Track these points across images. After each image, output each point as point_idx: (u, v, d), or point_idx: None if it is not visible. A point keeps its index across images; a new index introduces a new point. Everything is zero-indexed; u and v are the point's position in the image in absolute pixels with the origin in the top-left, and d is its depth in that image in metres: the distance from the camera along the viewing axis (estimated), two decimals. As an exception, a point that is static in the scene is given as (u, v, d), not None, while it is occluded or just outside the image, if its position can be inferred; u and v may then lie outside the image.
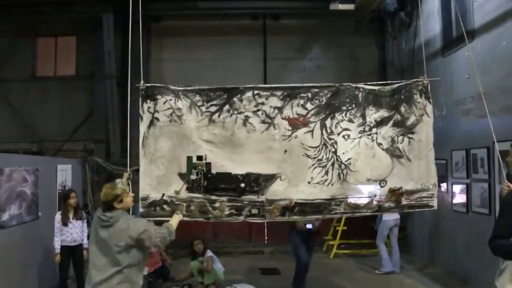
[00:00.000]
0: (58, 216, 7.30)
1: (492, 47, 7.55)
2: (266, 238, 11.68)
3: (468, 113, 8.31)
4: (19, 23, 12.37)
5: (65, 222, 7.25)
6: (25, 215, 7.31)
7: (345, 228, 11.12)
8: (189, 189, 5.25)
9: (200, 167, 5.24)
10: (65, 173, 8.92)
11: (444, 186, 9.04)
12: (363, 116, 5.37)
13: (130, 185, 5.01)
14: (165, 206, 5.21)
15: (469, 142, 7.92)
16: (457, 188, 8.64)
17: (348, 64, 12.81)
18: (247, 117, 5.28)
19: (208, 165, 5.24)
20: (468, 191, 8.16)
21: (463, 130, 8.33)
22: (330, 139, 5.33)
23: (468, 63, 8.17)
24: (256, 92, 5.32)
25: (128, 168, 5.17)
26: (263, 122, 5.30)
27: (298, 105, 5.33)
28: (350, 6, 11.09)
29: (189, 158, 5.24)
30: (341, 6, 11.07)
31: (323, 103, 5.35)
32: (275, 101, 5.31)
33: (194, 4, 12.09)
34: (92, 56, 12.41)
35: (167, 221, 4.68)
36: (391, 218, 9.24)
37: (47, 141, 12.26)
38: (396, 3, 11.01)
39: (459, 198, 8.48)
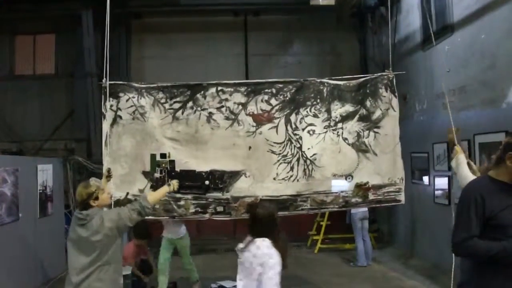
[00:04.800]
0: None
1: (471, 40, 7.55)
2: (250, 234, 11.65)
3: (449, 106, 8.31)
4: (-4, 21, 12.20)
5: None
6: (5, 216, 7.22)
7: (329, 223, 11.16)
8: (153, 188, 5.24)
9: (164, 165, 5.22)
10: (45, 173, 8.84)
11: (426, 178, 9.06)
12: (328, 111, 5.36)
13: (111, 183, 4.99)
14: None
15: (451, 135, 7.91)
16: (439, 180, 8.64)
17: (330, 59, 12.75)
18: (210, 113, 5.27)
19: (172, 162, 5.23)
20: (449, 184, 8.17)
21: (444, 123, 8.31)
22: (295, 134, 5.31)
23: (449, 56, 8.18)
24: (219, 88, 5.30)
25: (106, 166, 5.14)
26: (227, 118, 5.28)
27: (262, 101, 5.32)
28: (330, 1, 10.98)
29: (153, 156, 5.22)
30: (322, 1, 10.98)
31: (287, 98, 5.33)
32: (239, 97, 5.29)
33: (175, 1, 12.00)
34: (71, 54, 12.23)
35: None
36: (358, 210, 9.29)
37: (27, 140, 12.06)
38: (376, -2, 11.01)
39: (441, 190, 8.50)
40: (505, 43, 6.66)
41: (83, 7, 11.23)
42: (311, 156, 5.29)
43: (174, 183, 4.82)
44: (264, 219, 3.58)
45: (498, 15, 6.78)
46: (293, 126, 5.30)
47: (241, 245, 3.61)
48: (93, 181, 4.35)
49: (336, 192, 5.32)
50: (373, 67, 11.67)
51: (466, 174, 4.87)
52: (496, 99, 6.89)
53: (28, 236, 7.97)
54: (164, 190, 4.72)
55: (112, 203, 5.15)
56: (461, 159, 4.99)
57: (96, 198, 4.25)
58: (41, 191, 8.59)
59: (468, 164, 5.11)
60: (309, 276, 8.90)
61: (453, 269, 5.31)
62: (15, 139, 12.04)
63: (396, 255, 10.38)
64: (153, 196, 4.52)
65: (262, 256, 3.40)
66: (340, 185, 5.35)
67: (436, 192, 8.70)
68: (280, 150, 5.29)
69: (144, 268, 8.48)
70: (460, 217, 3.29)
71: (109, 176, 4.93)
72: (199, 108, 5.26)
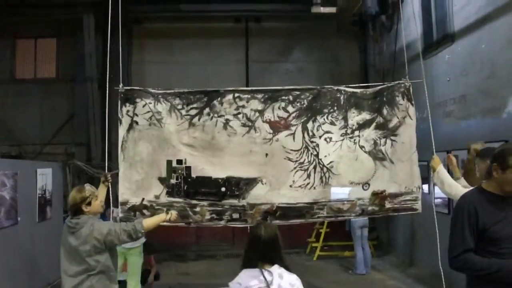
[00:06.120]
0: None
1: (472, 50, 7.59)
2: (249, 241, 11.61)
3: (449, 115, 8.38)
4: (-2, 24, 12.13)
5: None
6: (4, 220, 7.17)
7: (328, 230, 11.16)
8: (169, 194, 5.20)
9: (180, 171, 5.18)
10: (45, 177, 8.78)
11: (425, 187, 9.08)
12: (345, 118, 5.35)
13: (110, 188, 4.98)
14: (145, 211, 5.14)
15: (451, 144, 7.97)
16: (439, 189, 8.68)
17: (330, 67, 12.79)
18: (227, 120, 5.25)
19: (188, 169, 5.20)
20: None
21: (444, 132, 8.38)
22: (311, 142, 5.30)
23: (449, 65, 8.26)
24: (236, 95, 5.28)
25: (106, 171, 5.11)
26: (244, 125, 5.26)
27: (279, 108, 5.30)
28: (332, 9, 11.07)
29: (169, 162, 5.19)
30: (323, 9, 11.05)
31: (304, 105, 5.32)
32: (256, 104, 5.28)
33: (176, 7, 12.00)
34: (72, 58, 12.21)
35: None
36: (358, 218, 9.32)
37: (26, 144, 12.01)
38: (377, 6, 11.04)
39: (441, 199, 8.52)
40: (505, 52, 6.69)
41: (85, 11, 11.23)
42: (328, 164, 5.27)
43: (173, 213, 4.72)
44: (271, 241, 3.09)
45: (499, 25, 6.82)
46: (310, 133, 5.28)
47: (254, 283, 2.99)
48: (88, 186, 4.35)
49: (353, 200, 5.33)
50: (374, 75, 11.75)
51: (453, 181, 4.96)
52: (496, 109, 6.92)
53: (27, 240, 7.92)
54: (161, 218, 4.63)
55: (114, 214, 5.15)
56: (442, 170, 5.08)
57: (89, 204, 4.23)
58: (40, 195, 8.55)
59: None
60: (307, 283, 8.88)
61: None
62: (15, 142, 11.97)
63: (395, 263, 10.41)
64: (149, 222, 4.44)
65: (291, 286, 3.04)
66: (357, 193, 5.34)
67: (436, 201, 8.74)
68: (297, 158, 5.27)
69: (143, 277, 8.45)
70: (454, 230, 3.29)
71: (106, 181, 4.92)
72: (215, 115, 5.23)
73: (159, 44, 12.78)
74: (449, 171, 5.40)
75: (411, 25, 9.85)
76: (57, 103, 12.30)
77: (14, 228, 7.47)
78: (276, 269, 3.02)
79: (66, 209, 9.60)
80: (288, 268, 3.08)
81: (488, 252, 3.13)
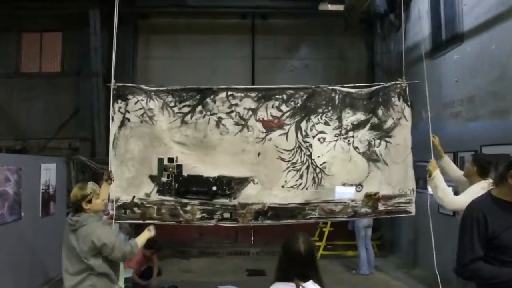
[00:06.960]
0: None
1: (481, 50, 7.49)
2: (252, 238, 11.55)
3: (456, 116, 8.25)
4: (4, 18, 12.06)
5: None
6: (7, 215, 7.19)
7: (331, 229, 11.08)
8: (160, 192, 5.16)
9: (171, 169, 5.14)
10: (49, 172, 8.80)
11: (430, 188, 8.97)
12: (340, 119, 5.26)
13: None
14: (135, 209, 5.11)
15: (457, 145, 7.85)
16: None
17: (337, 64, 12.70)
18: (220, 118, 5.18)
19: (180, 167, 5.14)
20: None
21: (451, 133, 8.25)
22: (305, 142, 5.22)
23: (457, 66, 8.12)
24: (230, 93, 5.21)
25: (110, 168, 5.07)
26: (236, 123, 5.19)
27: (273, 107, 5.22)
28: (339, 7, 10.97)
29: (160, 160, 5.14)
30: (331, 7, 10.97)
31: (298, 105, 5.24)
32: (249, 103, 5.20)
33: (183, 2, 11.98)
34: (78, 52, 12.20)
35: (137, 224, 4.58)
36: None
37: (31, 138, 12.02)
38: (386, 5, 10.94)
39: (445, 200, 8.41)
40: (515, 54, 6.58)
41: (91, 5, 11.23)
42: (321, 164, 5.20)
43: (152, 228, 4.74)
44: (310, 255, 2.88)
45: (509, 26, 6.71)
46: (304, 133, 5.21)
47: None
48: (90, 184, 4.35)
49: (346, 202, 5.24)
50: (380, 73, 11.64)
51: (446, 187, 4.91)
52: (505, 111, 6.81)
53: (30, 235, 7.94)
54: (146, 235, 4.65)
55: (113, 209, 5.11)
56: (438, 174, 5.03)
57: (89, 202, 4.22)
58: (44, 190, 8.57)
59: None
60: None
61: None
62: (20, 136, 12.01)
63: (398, 264, 10.34)
64: (140, 242, 4.51)
65: None
66: (344, 192, 5.25)
67: (441, 203, 8.62)
68: (290, 158, 5.19)
69: (145, 274, 8.45)
70: (463, 238, 3.23)
71: (109, 179, 4.87)
72: (208, 113, 5.16)
73: (165, 39, 12.77)
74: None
75: (419, 25, 9.75)
76: (62, 98, 12.29)
77: (17, 223, 7.51)
78: (310, 285, 2.81)
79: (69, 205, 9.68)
80: (322, 283, 2.88)
81: (499, 260, 3.09)
